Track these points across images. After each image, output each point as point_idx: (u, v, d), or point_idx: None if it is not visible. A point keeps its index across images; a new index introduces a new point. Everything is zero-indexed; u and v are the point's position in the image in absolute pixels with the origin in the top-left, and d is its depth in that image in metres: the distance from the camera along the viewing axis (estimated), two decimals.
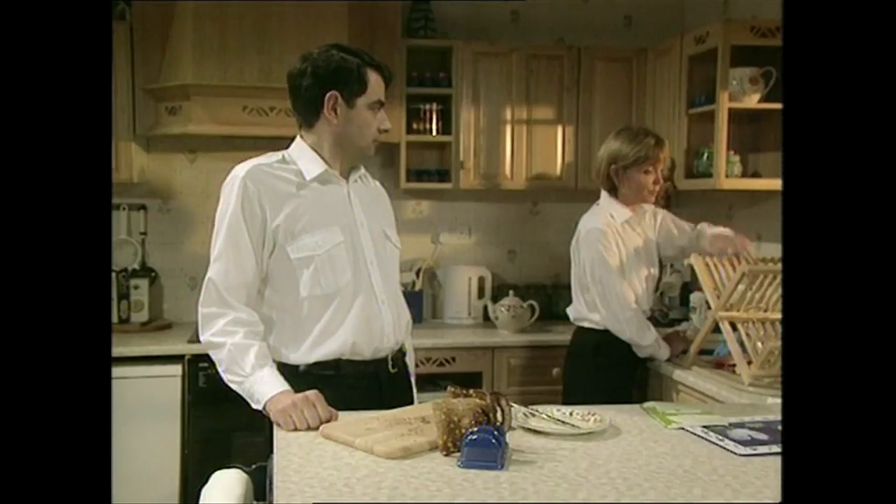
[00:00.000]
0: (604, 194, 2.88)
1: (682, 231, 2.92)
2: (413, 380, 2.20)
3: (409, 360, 2.19)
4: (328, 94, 1.92)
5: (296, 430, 1.70)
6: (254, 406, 1.84)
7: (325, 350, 1.93)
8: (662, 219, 2.93)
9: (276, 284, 1.94)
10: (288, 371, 1.90)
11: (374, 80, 1.95)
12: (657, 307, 3.29)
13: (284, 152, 2.00)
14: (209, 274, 1.92)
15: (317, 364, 1.93)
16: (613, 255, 2.73)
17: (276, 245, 1.91)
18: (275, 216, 1.90)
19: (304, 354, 1.94)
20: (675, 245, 2.92)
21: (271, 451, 1.92)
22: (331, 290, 1.93)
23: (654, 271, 2.90)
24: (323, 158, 1.97)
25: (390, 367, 2.02)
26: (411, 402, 2.06)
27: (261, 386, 1.82)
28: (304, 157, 1.97)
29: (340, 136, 1.97)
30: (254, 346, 1.86)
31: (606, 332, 2.77)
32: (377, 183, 2.22)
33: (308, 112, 1.96)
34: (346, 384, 1.86)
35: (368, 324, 1.95)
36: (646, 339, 2.75)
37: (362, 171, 2.10)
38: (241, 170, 1.92)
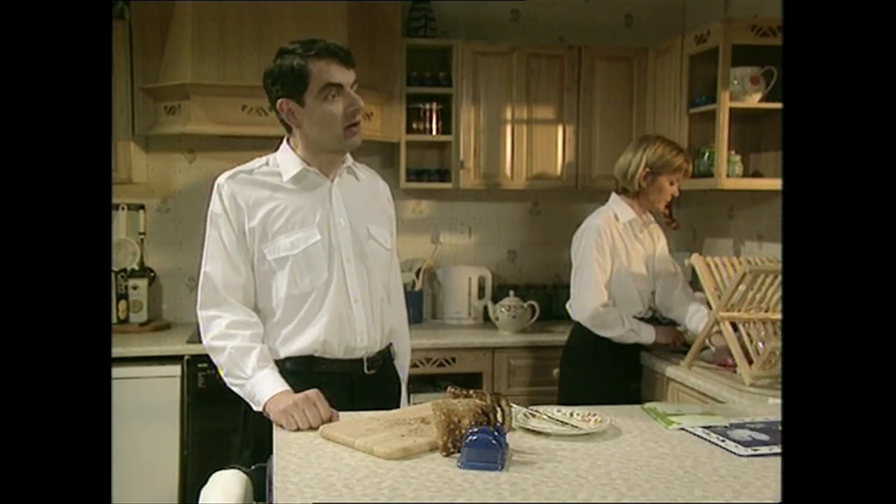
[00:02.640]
0: (616, 197, 2.98)
1: (676, 278, 3.00)
2: (403, 383, 2.18)
3: (399, 362, 2.17)
4: (279, 103, 1.92)
5: (298, 429, 1.70)
6: (254, 407, 1.84)
7: (297, 346, 1.94)
8: (662, 247, 3.03)
9: (258, 287, 1.96)
10: None
11: (316, 68, 1.86)
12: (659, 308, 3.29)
13: (270, 156, 2.01)
14: (204, 275, 1.93)
15: (289, 360, 1.94)
16: (602, 253, 2.83)
17: (256, 248, 1.93)
18: (252, 218, 1.92)
19: (276, 351, 1.95)
20: (666, 282, 2.99)
21: (243, 448, 1.93)
22: (307, 289, 1.94)
23: (650, 277, 2.97)
24: (302, 158, 1.96)
25: (365, 368, 2.00)
26: (392, 406, 2.03)
27: (261, 387, 1.82)
28: (284, 158, 1.98)
29: (310, 138, 1.95)
30: (255, 349, 1.87)
31: None
32: (375, 178, 2.16)
33: (281, 122, 1.98)
34: (318, 382, 1.86)
35: (339, 322, 1.95)
36: (615, 332, 2.84)
37: (350, 162, 2.04)
38: (222, 177, 1.97)
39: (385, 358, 2.08)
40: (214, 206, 1.95)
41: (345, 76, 1.89)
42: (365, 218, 2.03)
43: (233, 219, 1.92)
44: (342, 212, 1.98)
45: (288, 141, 2.01)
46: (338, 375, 1.96)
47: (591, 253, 2.82)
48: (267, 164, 1.99)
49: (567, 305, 3.07)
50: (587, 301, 2.82)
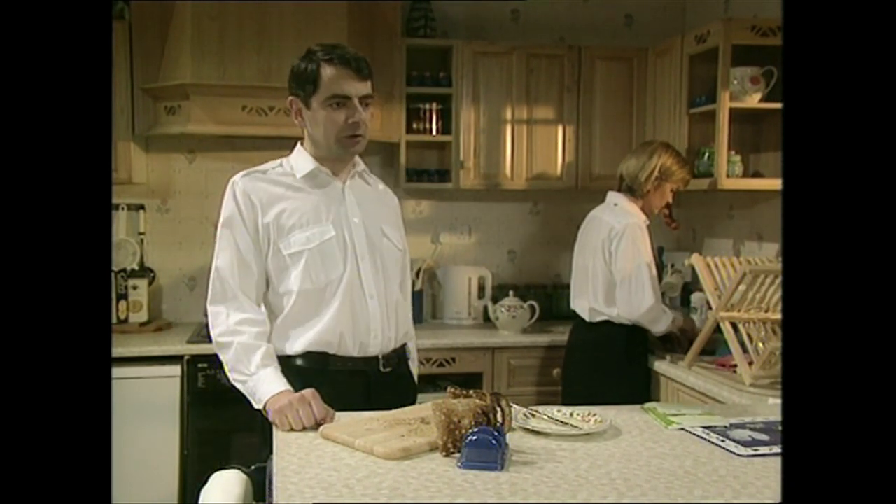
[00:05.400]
0: (619, 196, 3.02)
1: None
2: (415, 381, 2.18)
3: (412, 363, 2.18)
4: (289, 100, 1.99)
5: (291, 429, 1.70)
6: (255, 405, 1.85)
7: (310, 339, 1.95)
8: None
9: (273, 282, 1.98)
10: (280, 363, 1.91)
11: (329, 74, 1.90)
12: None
13: (284, 159, 2.06)
14: (215, 269, 1.95)
15: (304, 356, 1.95)
16: (648, 251, 2.92)
17: (271, 243, 1.96)
18: (266, 214, 1.95)
19: (290, 346, 1.96)
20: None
21: (263, 450, 1.93)
22: (322, 283, 1.96)
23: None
24: (314, 158, 2.01)
25: (381, 366, 2.01)
26: (409, 404, 2.02)
27: (263, 385, 1.83)
28: (297, 159, 2.04)
29: (314, 139, 2.00)
30: (261, 348, 1.88)
31: (624, 325, 2.93)
32: (387, 189, 2.22)
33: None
34: (333, 379, 1.87)
35: (353, 316, 1.97)
36: (662, 325, 2.94)
37: (361, 167, 2.10)
38: (237, 176, 2.01)
39: (400, 357, 2.10)
40: (227, 204, 1.98)
41: (354, 88, 1.92)
42: (378, 218, 2.07)
43: (246, 216, 1.95)
44: (355, 210, 2.02)
45: (301, 143, 2.05)
46: (354, 373, 1.97)
47: (642, 250, 2.88)
48: (281, 165, 2.04)
49: (573, 306, 3.09)
50: (645, 298, 2.86)
